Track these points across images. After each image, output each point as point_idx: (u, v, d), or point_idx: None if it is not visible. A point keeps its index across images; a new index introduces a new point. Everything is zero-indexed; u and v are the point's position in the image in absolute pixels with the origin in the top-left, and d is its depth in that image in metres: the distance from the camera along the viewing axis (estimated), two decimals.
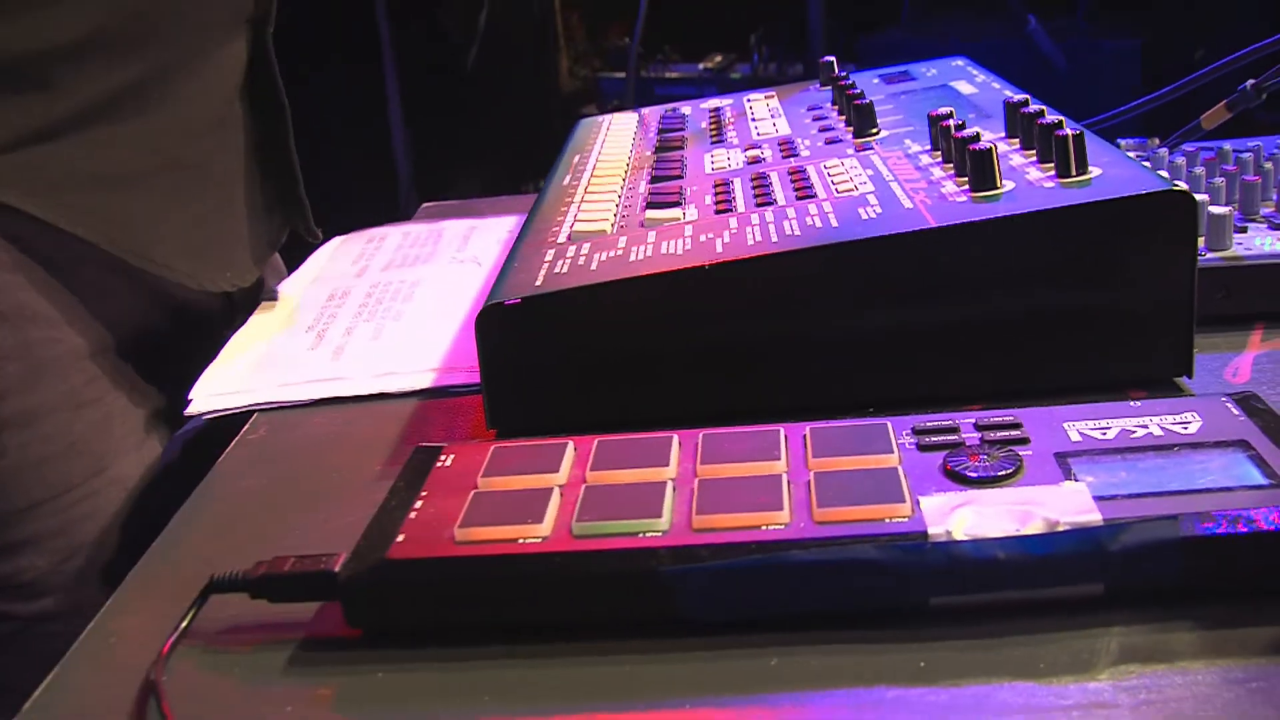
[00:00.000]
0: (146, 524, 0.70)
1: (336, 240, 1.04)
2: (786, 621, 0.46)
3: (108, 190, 0.78)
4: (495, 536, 0.48)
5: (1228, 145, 0.84)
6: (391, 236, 1.03)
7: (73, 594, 0.76)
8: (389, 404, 0.72)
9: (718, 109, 0.99)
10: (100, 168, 0.78)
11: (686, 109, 1.01)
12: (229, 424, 0.72)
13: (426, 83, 3.01)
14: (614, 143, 0.92)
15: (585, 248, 0.67)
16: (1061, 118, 0.67)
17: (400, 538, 0.49)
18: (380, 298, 0.88)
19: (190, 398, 0.75)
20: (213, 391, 0.76)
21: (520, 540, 0.47)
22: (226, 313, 0.90)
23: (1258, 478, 0.47)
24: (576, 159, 0.89)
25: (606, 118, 1.02)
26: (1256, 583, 0.45)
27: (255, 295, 0.92)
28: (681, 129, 0.93)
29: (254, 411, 0.73)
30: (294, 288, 0.93)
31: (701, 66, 3.06)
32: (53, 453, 0.76)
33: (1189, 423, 0.51)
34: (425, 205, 1.16)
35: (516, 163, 3.27)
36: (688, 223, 0.68)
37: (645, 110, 1.03)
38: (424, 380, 0.73)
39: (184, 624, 0.50)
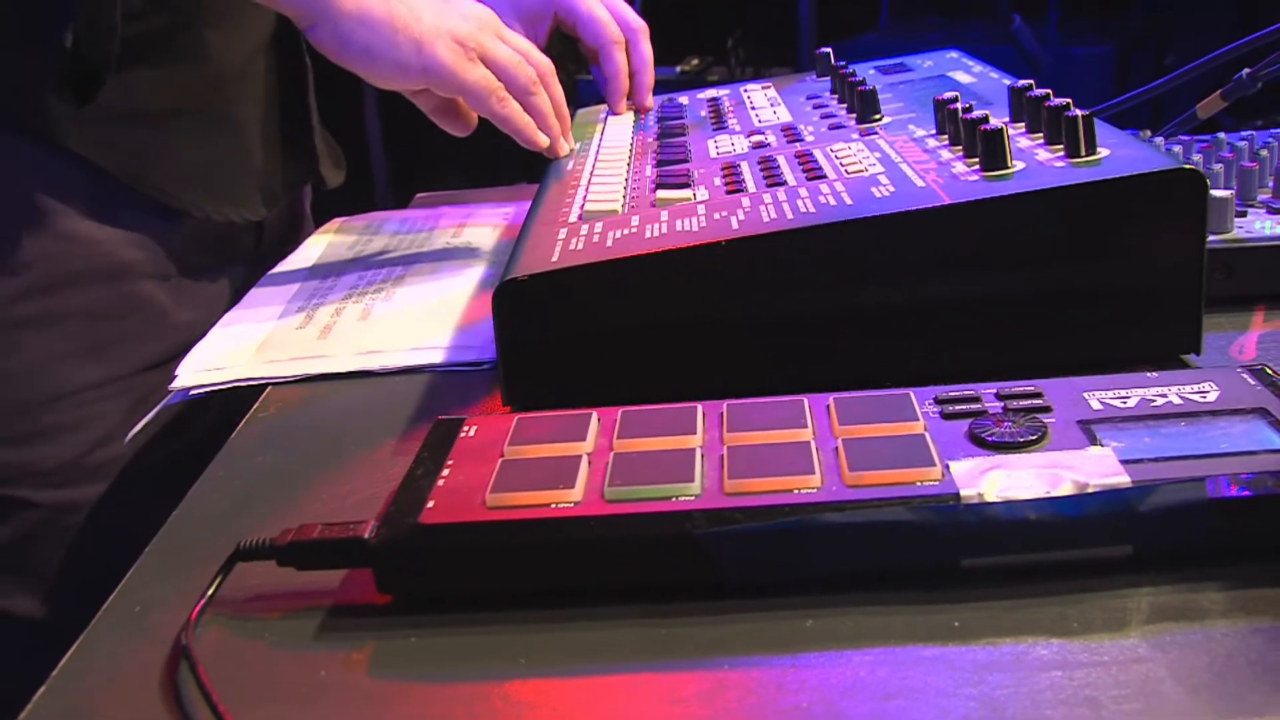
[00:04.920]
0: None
1: (336, 222, 1.04)
2: (820, 584, 0.47)
3: (127, 126, 0.84)
4: (527, 501, 0.48)
5: (1222, 135, 0.85)
6: (389, 222, 1.03)
7: (91, 487, 0.83)
8: (395, 382, 0.72)
9: (715, 98, 0.99)
10: (123, 105, 0.83)
11: (683, 99, 1.02)
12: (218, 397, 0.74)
13: None
14: (614, 130, 0.93)
15: (598, 226, 0.67)
16: (1069, 100, 0.68)
17: (430, 504, 0.49)
18: (372, 280, 0.88)
19: (176, 373, 0.75)
20: (199, 367, 0.76)
21: (553, 505, 0.48)
22: (252, 252, 0.96)
23: (1279, 442, 0.48)
24: (578, 145, 0.90)
25: (602, 107, 1.03)
26: None
27: (285, 237, 1.00)
28: (681, 117, 0.94)
29: (239, 387, 0.73)
30: (290, 267, 0.93)
31: (678, 69, 3.07)
32: (69, 353, 0.83)
33: (1207, 392, 0.52)
34: (419, 195, 1.16)
35: (492, 160, 3.25)
36: (699, 202, 0.69)
37: None
38: (406, 359, 0.74)
39: (211, 591, 0.50)
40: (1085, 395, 0.52)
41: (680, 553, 0.46)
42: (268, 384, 0.73)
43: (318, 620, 0.49)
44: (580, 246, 0.64)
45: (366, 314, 0.81)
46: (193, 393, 0.74)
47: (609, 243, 0.64)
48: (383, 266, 0.90)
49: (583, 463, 0.50)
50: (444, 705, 0.43)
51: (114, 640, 0.50)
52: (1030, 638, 0.43)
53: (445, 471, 0.51)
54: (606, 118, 0.98)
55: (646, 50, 0.99)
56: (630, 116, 0.98)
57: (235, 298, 0.91)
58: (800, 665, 0.43)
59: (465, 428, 0.55)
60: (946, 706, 0.40)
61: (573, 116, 1.01)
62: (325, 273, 0.91)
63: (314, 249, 0.98)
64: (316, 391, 0.72)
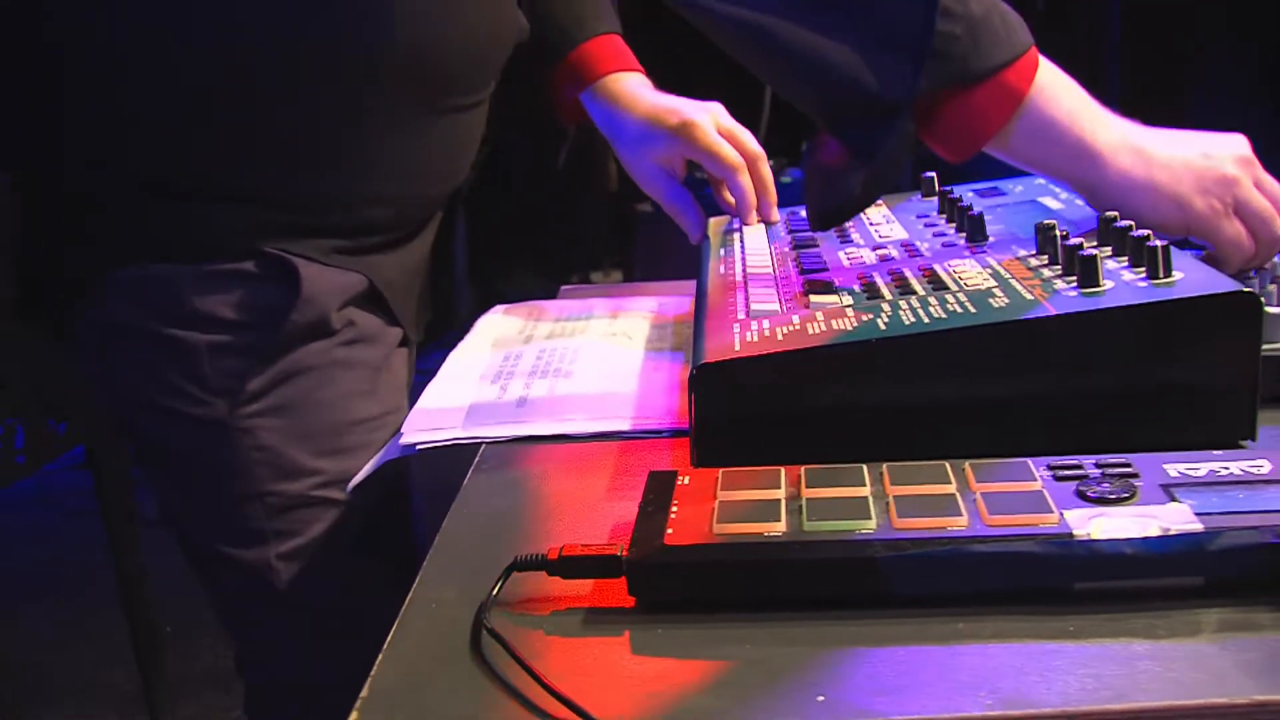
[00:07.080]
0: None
1: (500, 309, 1.21)
2: (965, 599, 0.62)
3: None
4: (746, 530, 0.64)
5: (1277, 259, 1.01)
6: (548, 310, 1.20)
7: (374, 494, 1.10)
8: (588, 447, 0.88)
9: None
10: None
11: (804, 212, 1.19)
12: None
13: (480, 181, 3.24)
14: (752, 240, 1.10)
15: (765, 324, 0.84)
16: (1149, 230, 0.84)
17: (670, 530, 0.65)
18: (549, 360, 1.04)
19: (403, 431, 0.92)
20: (422, 428, 0.92)
21: (765, 533, 0.64)
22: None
23: None
24: (723, 251, 1.07)
25: (728, 219, 1.20)
26: None
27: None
28: (808, 229, 1.10)
29: (458, 445, 0.90)
30: (472, 347, 1.11)
31: None
32: (361, 391, 1.12)
33: (1261, 465, 0.67)
34: (564, 288, 1.34)
35: (565, 258, 3.44)
36: (846, 305, 0.85)
37: None
38: (598, 426, 0.90)
39: (495, 591, 0.66)
40: (1165, 466, 0.68)
41: (864, 570, 0.62)
42: (481, 442, 0.90)
43: (579, 618, 0.65)
44: (755, 339, 0.81)
45: (553, 389, 0.97)
46: (418, 448, 0.91)
47: (779, 337, 0.81)
48: (555, 350, 1.07)
49: (782, 504, 0.66)
50: (697, 672, 0.59)
51: (422, 627, 0.66)
52: (1128, 640, 0.59)
53: (674, 508, 0.67)
54: (740, 227, 1.15)
55: (765, 173, 1.19)
56: (761, 228, 1.15)
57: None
58: (959, 653, 0.59)
59: (681, 477, 0.71)
60: (1070, 682, 0.56)
61: (708, 224, 1.19)
62: (505, 352, 1.08)
63: (488, 332, 1.15)
64: (523, 451, 0.89)
